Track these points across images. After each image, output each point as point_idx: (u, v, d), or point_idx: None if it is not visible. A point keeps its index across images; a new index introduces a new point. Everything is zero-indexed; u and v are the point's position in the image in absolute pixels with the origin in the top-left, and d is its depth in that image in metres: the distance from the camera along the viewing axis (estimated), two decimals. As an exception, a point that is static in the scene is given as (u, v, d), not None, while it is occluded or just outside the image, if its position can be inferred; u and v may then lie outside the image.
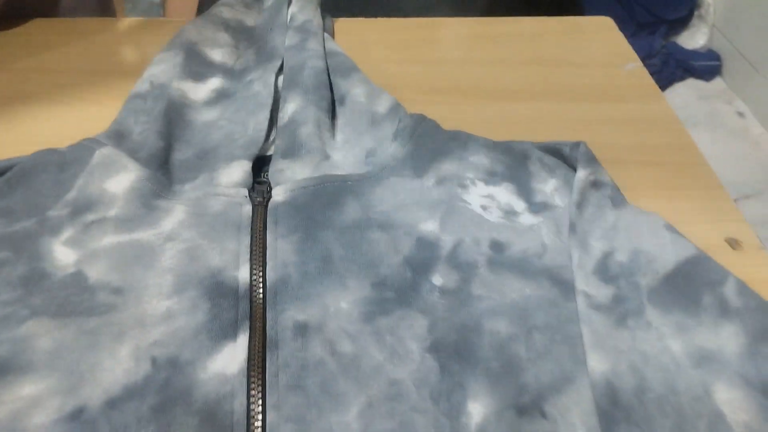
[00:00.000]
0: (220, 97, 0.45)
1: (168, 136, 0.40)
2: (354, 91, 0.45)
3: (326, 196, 0.37)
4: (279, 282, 0.32)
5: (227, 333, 0.30)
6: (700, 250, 0.33)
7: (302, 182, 0.37)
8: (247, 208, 0.36)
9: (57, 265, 0.32)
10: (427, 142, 0.40)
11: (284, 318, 0.31)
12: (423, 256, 0.34)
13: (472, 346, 0.30)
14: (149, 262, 0.33)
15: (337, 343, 0.30)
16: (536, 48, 0.57)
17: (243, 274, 0.33)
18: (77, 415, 0.27)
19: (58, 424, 0.26)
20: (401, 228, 0.35)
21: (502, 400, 0.28)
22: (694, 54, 1.78)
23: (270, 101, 0.44)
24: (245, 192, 0.37)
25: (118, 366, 0.28)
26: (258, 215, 0.36)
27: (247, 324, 0.31)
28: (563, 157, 0.40)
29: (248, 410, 0.28)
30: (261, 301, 0.32)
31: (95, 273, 0.32)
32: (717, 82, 1.77)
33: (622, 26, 0.60)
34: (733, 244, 0.38)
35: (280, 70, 0.47)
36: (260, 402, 0.28)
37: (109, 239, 0.33)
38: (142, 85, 0.43)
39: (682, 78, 1.77)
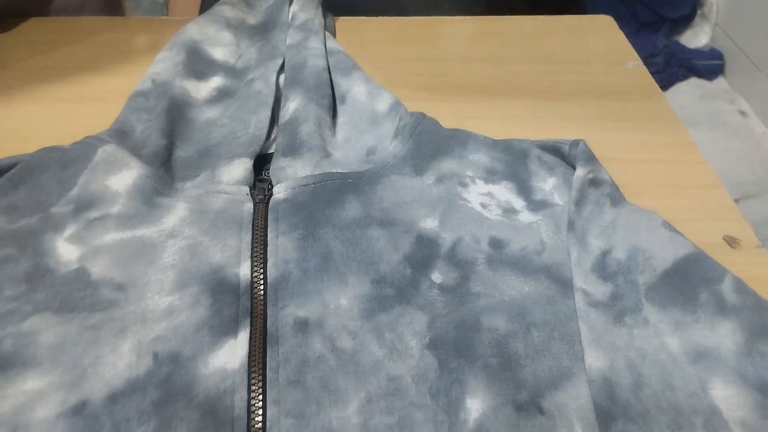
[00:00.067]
0: (221, 95, 0.46)
1: (170, 134, 0.41)
2: (355, 89, 0.46)
3: (327, 193, 0.37)
4: (280, 279, 0.33)
5: (228, 329, 0.30)
6: (698, 247, 0.34)
7: (303, 180, 0.38)
8: (249, 206, 0.36)
9: (60, 261, 0.32)
10: (427, 141, 0.40)
11: (285, 314, 0.31)
12: (422, 254, 0.34)
13: (470, 342, 0.31)
14: (151, 258, 0.33)
15: (337, 339, 0.30)
16: (536, 46, 0.57)
17: (244, 270, 0.33)
18: (80, 409, 0.27)
19: (61, 418, 0.27)
20: (401, 225, 0.36)
21: (501, 396, 0.29)
22: (697, 53, 1.78)
23: (271, 99, 0.44)
24: (247, 190, 0.37)
25: (120, 361, 0.29)
26: (259, 212, 0.36)
27: (247, 320, 0.31)
28: (562, 155, 0.40)
29: (249, 405, 0.28)
30: (262, 297, 0.32)
31: (98, 269, 0.32)
32: (719, 82, 1.76)
33: (625, 25, 0.60)
34: (731, 242, 0.38)
35: (282, 68, 0.48)
36: (260, 397, 0.28)
37: (111, 236, 0.34)
38: (144, 84, 0.44)
39: (684, 77, 1.77)
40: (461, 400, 0.28)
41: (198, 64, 0.47)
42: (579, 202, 0.36)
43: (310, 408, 0.28)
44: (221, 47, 0.49)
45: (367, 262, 0.34)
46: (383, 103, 0.44)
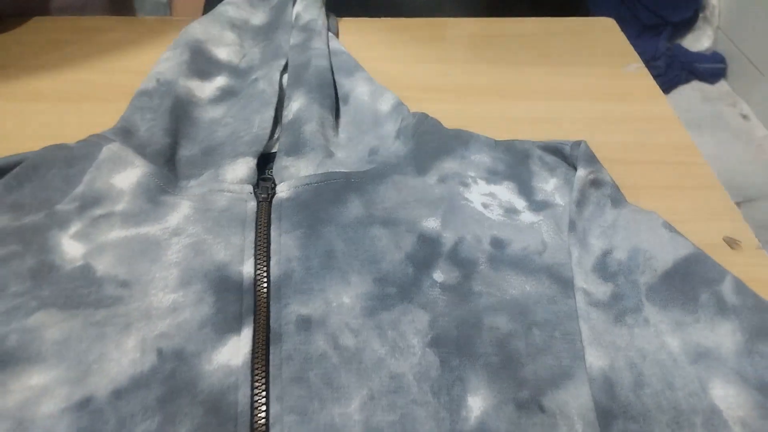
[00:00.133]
0: (225, 95, 0.46)
1: (174, 133, 0.41)
2: (357, 89, 0.46)
3: (329, 192, 0.37)
4: (283, 276, 0.33)
5: (232, 326, 0.31)
6: (698, 248, 0.34)
7: (306, 179, 0.38)
8: (252, 204, 0.36)
9: (65, 258, 0.33)
10: (430, 141, 0.41)
11: (288, 312, 0.31)
12: (424, 253, 0.35)
13: (472, 341, 0.31)
14: (155, 256, 0.33)
15: (339, 336, 0.31)
16: (538, 48, 0.57)
17: (247, 268, 0.33)
18: (84, 404, 0.27)
19: (66, 413, 0.27)
20: (403, 225, 0.36)
21: (502, 394, 0.29)
22: (699, 56, 1.78)
23: (275, 99, 0.44)
24: (250, 188, 0.37)
25: (124, 357, 0.29)
26: (262, 211, 0.36)
27: (251, 317, 0.31)
28: (564, 156, 0.40)
29: (252, 401, 0.28)
30: (265, 295, 0.32)
31: (102, 266, 0.32)
32: (721, 85, 1.77)
33: (627, 28, 0.60)
34: (732, 243, 0.38)
35: (285, 68, 0.48)
36: (264, 394, 0.29)
37: (116, 233, 0.34)
38: (148, 83, 0.44)
39: (686, 80, 1.77)
40: (463, 398, 0.29)
41: (202, 63, 0.47)
42: (580, 203, 0.37)
43: (312, 405, 0.28)
44: (225, 47, 0.49)
45: (369, 261, 0.34)
46: (386, 104, 0.44)
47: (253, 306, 0.32)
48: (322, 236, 0.35)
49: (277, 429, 0.27)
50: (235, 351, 0.30)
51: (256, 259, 0.34)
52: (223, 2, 0.54)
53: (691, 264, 0.33)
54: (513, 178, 0.39)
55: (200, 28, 0.50)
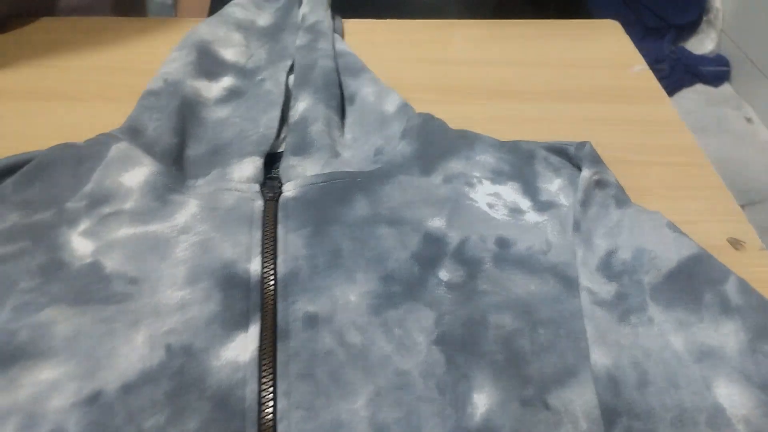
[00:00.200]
0: (232, 95, 0.46)
1: (181, 132, 0.41)
2: (363, 90, 0.46)
3: (336, 192, 0.37)
4: (289, 274, 0.33)
5: (239, 323, 0.31)
6: (702, 248, 0.34)
7: (312, 178, 0.38)
8: (259, 203, 0.37)
9: (74, 255, 0.33)
10: (435, 141, 0.41)
11: (294, 309, 0.32)
12: (430, 252, 0.35)
13: (477, 339, 0.31)
14: (164, 253, 0.33)
15: (346, 334, 0.31)
16: (543, 50, 0.57)
17: (254, 266, 0.33)
18: (94, 399, 0.28)
19: (76, 407, 0.27)
20: (409, 224, 0.36)
21: (507, 391, 0.29)
22: (703, 59, 1.78)
23: (281, 99, 0.45)
24: (257, 187, 0.38)
25: (133, 352, 0.29)
26: (269, 210, 0.37)
27: (258, 314, 0.31)
28: (568, 157, 0.40)
29: (259, 397, 0.28)
30: (272, 292, 0.32)
31: (111, 263, 0.33)
32: (725, 88, 1.77)
33: (631, 31, 0.61)
34: (735, 244, 0.39)
35: (291, 69, 0.48)
36: (271, 389, 0.29)
37: (124, 231, 0.34)
38: (156, 83, 0.44)
39: (690, 83, 1.77)
40: (468, 395, 0.29)
41: (209, 64, 0.47)
42: (585, 203, 0.37)
43: (319, 401, 0.28)
44: (231, 48, 0.50)
45: (375, 260, 0.34)
46: (391, 104, 0.45)
47: (260, 303, 0.32)
48: (328, 235, 0.35)
49: (284, 424, 0.28)
50: (243, 347, 0.30)
51: (263, 257, 0.34)
52: (229, 3, 0.54)
53: (695, 264, 0.33)
54: (518, 178, 0.39)
55: (207, 29, 0.50)
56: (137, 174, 0.37)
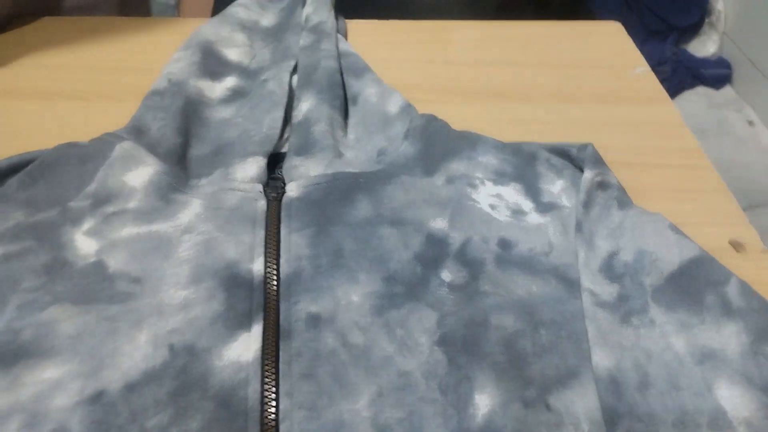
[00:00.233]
0: (235, 95, 0.46)
1: (185, 132, 0.41)
2: (366, 91, 0.46)
3: (338, 192, 0.38)
4: (292, 274, 0.33)
5: (242, 323, 0.31)
6: (704, 250, 0.34)
7: (315, 179, 0.38)
8: (262, 203, 0.37)
9: (78, 255, 0.33)
10: (438, 142, 0.41)
11: (297, 309, 0.32)
12: (432, 253, 0.35)
13: (479, 340, 0.31)
14: (167, 253, 0.34)
15: (348, 334, 0.31)
16: (545, 51, 0.58)
17: (257, 266, 0.33)
18: (97, 398, 0.28)
19: (79, 406, 0.27)
20: (411, 225, 0.36)
21: (509, 392, 0.29)
22: (705, 62, 1.78)
23: (284, 100, 0.45)
24: (260, 187, 0.38)
25: (136, 352, 0.29)
26: (272, 210, 0.37)
27: (261, 314, 0.31)
28: (571, 158, 0.40)
29: (262, 397, 0.29)
30: (275, 292, 0.33)
31: (115, 262, 0.33)
32: (727, 90, 1.77)
33: (633, 33, 0.61)
34: (737, 246, 0.39)
35: (295, 69, 0.48)
36: (274, 389, 0.29)
37: (128, 230, 0.34)
38: (160, 83, 0.44)
39: (692, 85, 1.77)
40: (470, 395, 0.29)
41: (212, 64, 0.47)
42: (587, 205, 0.37)
43: (321, 401, 0.28)
44: (235, 48, 0.50)
45: (377, 260, 0.34)
46: (394, 105, 0.45)
47: (263, 303, 0.32)
48: (331, 235, 0.35)
49: (286, 424, 0.28)
50: (246, 347, 0.30)
51: (266, 257, 0.34)
52: (233, 4, 0.54)
53: (696, 266, 0.33)
54: (520, 179, 0.39)
55: (211, 30, 0.50)
56: (141, 173, 0.37)
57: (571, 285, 0.34)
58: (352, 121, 0.45)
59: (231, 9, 0.54)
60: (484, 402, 0.29)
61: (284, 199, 0.37)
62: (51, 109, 0.48)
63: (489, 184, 0.39)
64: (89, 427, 0.27)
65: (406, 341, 0.31)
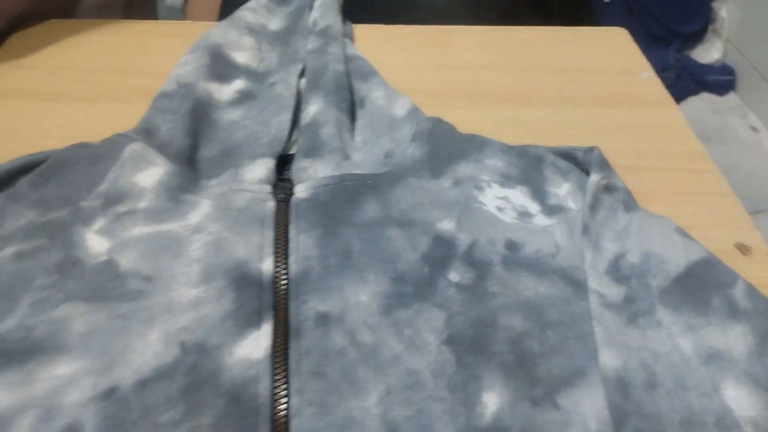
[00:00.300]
0: (243, 98, 0.47)
1: (194, 133, 0.42)
2: (373, 94, 0.47)
3: (346, 194, 0.38)
4: (301, 274, 0.33)
5: (252, 321, 0.31)
6: (710, 253, 0.34)
7: (323, 180, 0.39)
8: (271, 204, 0.37)
9: (90, 253, 0.34)
10: (444, 145, 0.41)
11: (306, 308, 0.32)
12: (440, 254, 0.35)
13: (487, 340, 0.31)
14: (177, 252, 0.34)
15: (357, 333, 0.31)
16: (551, 55, 0.58)
17: (266, 266, 0.34)
18: (110, 393, 0.28)
19: (92, 401, 0.28)
20: (418, 226, 0.36)
21: (517, 391, 0.29)
22: (708, 68, 1.79)
23: (292, 102, 0.45)
24: (269, 188, 0.38)
25: (148, 349, 0.30)
26: (281, 211, 0.37)
27: (270, 313, 0.32)
28: (577, 161, 0.41)
29: (272, 393, 0.29)
30: (284, 292, 0.33)
31: (126, 261, 0.33)
32: (731, 97, 1.77)
33: (637, 39, 0.61)
34: (743, 249, 0.39)
35: (302, 73, 0.49)
36: (284, 386, 0.29)
37: (139, 230, 0.35)
38: (169, 85, 0.45)
39: (695, 92, 1.77)
40: (478, 394, 0.29)
41: (221, 67, 0.48)
42: (593, 207, 0.37)
43: (331, 398, 0.29)
44: (243, 51, 0.50)
45: (385, 261, 0.34)
46: (401, 108, 0.45)
47: (273, 302, 0.32)
48: (339, 236, 0.35)
49: (297, 421, 0.28)
50: (256, 345, 0.30)
51: (275, 256, 0.34)
52: (241, 8, 0.55)
53: (703, 268, 0.33)
54: (526, 182, 0.40)
55: (219, 33, 0.51)
56: (151, 174, 0.37)
57: (578, 286, 0.34)
58: (359, 123, 0.46)
59: (239, 13, 0.54)
60: (492, 400, 0.29)
61: (292, 200, 0.38)
62: (58, 110, 0.49)
63: (496, 187, 0.39)
64: (102, 422, 0.27)
65: (415, 340, 0.31)
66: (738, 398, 0.28)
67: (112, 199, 0.36)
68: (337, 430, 0.28)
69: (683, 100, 1.75)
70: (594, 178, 0.38)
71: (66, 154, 0.38)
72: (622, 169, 0.40)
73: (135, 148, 0.39)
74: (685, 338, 0.31)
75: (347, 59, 0.50)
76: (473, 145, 0.41)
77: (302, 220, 0.36)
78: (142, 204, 0.36)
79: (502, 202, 0.38)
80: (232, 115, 0.45)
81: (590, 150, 0.40)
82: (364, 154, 0.42)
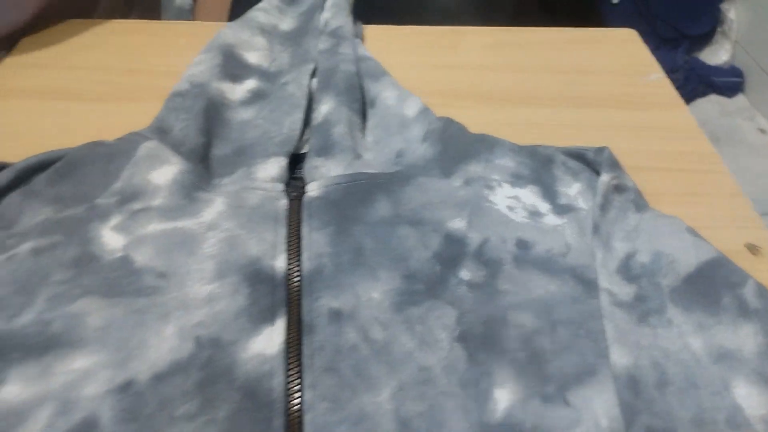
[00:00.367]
0: (255, 97, 0.47)
1: (207, 132, 0.42)
2: (384, 94, 0.47)
3: (358, 192, 0.38)
4: (314, 271, 0.34)
5: (265, 317, 0.32)
6: (721, 253, 0.34)
7: (335, 179, 0.39)
8: (283, 202, 0.37)
9: (105, 249, 0.34)
10: (455, 144, 0.42)
11: (319, 305, 0.32)
12: (451, 252, 0.35)
13: (498, 337, 0.32)
14: (192, 249, 0.34)
15: (369, 329, 0.31)
16: (560, 56, 0.58)
17: (279, 263, 0.34)
18: (126, 387, 0.28)
19: (109, 395, 0.28)
20: (430, 225, 0.37)
21: (528, 388, 0.30)
22: (717, 70, 1.78)
23: (304, 102, 0.45)
24: (282, 187, 0.38)
25: (163, 344, 0.30)
26: (293, 209, 0.37)
27: (284, 309, 0.32)
28: (587, 161, 0.41)
29: (286, 388, 0.29)
30: (297, 288, 0.33)
31: (141, 257, 0.34)
32: (739, 99, 1.76)
33: (645, 41, 0.61)
34: (753, 249, 0.39)
35: (314, 73, 0.49)
36: (297, 382, 0.29)
37: (154, 227, 0.35)
38: (182, 85, 0.45)
39: (704, 94, 1.77)
40: (489, 390, 0.29)
41: (233, 67, 0.48)
42: (604, 207, 0.37)
43: (344, 393, 0.29)
44: (255, 51, 0.51)
45: (397, 259, 0.35)
46: (412, 108, 0.45)
47: (286, 299, 0.33)
48: (351, 234, 0.36)
49: (310, 415, 0.28)
50: (269, 341, 0.31)
51: (288, 254, 0.35)
52: (253, 8, 0.55)
53: (713, 268, 0.34)
54: (537, 182, 0.40)
55: (231, 33, 0.51)
56: (165, 172, 0.38)
57: (589, 285, 0.34)
58: (370, 123, 0.46)
59: (251, 13, 0.54)
60: (503, 397, 0.29)
61: (305, 199, 0.38)
62: (72, 109, 0.49)
63: (506, 186, 0.39)
64: (119, 415, 0.27)
65: (426, 337, 0.31)
66: (748, 397, 0.29)
67: (127, 197, 0.37)
68: (350, 424, 0.28)
69: (691, 102, 1.75)
70: (604, 178, 0.38)
71: (81, 152, 0.39)
72: (632, 170, 0.40)
73: (149, 146, 0.39)
74: (695, 337, 0.31)
75: (358, 59, 0.50)
76: (484, 145, 0.42)
77: (314, 218, 0.37)
78: (157, 201, 0.36)
79: (512, 201, 0.39)
80: (244, 114, 0.45)
81: (600, 150, 0.40)
82: (376, 154, 0.43)
